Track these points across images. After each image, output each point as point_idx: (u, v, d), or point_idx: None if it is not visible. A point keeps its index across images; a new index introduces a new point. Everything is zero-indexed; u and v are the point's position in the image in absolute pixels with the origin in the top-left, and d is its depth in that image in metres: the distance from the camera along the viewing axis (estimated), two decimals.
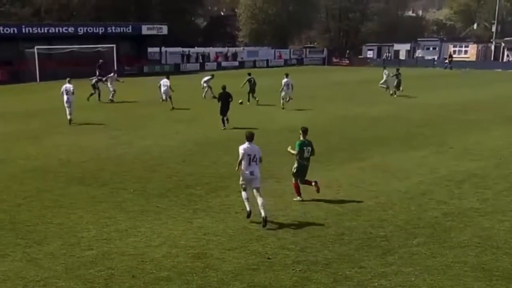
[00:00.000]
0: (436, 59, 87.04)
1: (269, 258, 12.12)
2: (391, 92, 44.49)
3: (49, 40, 65.81)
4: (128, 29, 75.08)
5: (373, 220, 14.51)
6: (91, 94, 41.23)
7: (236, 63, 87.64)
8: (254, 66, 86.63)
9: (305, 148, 16.15)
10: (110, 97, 41.40)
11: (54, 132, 28.64)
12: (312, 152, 16.36)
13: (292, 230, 13.85)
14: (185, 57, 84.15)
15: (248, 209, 14.48)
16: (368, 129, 28.98)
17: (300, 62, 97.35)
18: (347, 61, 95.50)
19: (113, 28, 73.47)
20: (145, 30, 76.27)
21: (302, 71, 54.10)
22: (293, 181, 16.52)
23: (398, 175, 19.31)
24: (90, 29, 71.61)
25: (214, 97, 37.07)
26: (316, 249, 12.62)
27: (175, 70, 74.53)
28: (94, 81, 41.55)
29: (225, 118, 29.56)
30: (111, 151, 23.85)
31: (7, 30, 64.70)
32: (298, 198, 16.38)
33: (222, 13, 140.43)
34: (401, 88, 44.86)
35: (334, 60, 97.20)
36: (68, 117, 31.13)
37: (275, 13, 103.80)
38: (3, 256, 12.33)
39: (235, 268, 11.63)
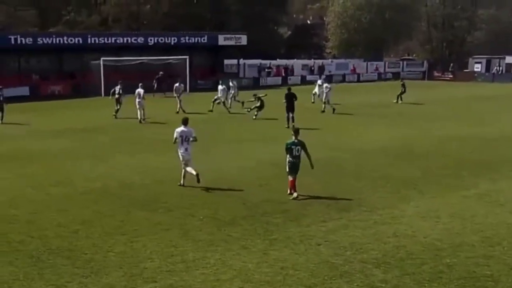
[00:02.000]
0: None
1: None
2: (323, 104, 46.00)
3: (117, 51, 67.23)
4: (203, 39, 76.02)
5: (478, 257, 14.10)
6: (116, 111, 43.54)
7: (323, 77, 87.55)
8: (343, 80, 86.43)
9: (293, 147, 19.81)
10: (179, 107, 45.37)
11: (118, 151, 29.17)
12: (304, 151, 19.88)
13: (382, 266, 13.59)
14: (264, 70, 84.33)
15: (182, 182, 21.52)
16: (475, 152, 28.37)
17: (396, 76, 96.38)
18: (451, 75, 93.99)
19: (186, 38, 74.59)
20: (221, 40, 77.05)
21: (398, 86, 53.61)
22: (290, 179, 19.86)
23: (508, 206, 18.76)
24: (161, 39, 72.86)
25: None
26: None
27: (254, 85, 75.00)
28: (117, 95, 43.62)
29: (289, 116, 36.35)
30: (179, 172, 24.03)
31: (71, 40, 66.42)
32: (294, 195, 19.56)
33: (308, 22, 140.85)
34: (402, 97, 52.56)
35: (436, 74, 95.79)
36: (138, 117, 40.12)
37: (369, 21, 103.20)
38: (58, 287, 12.54)
39: None
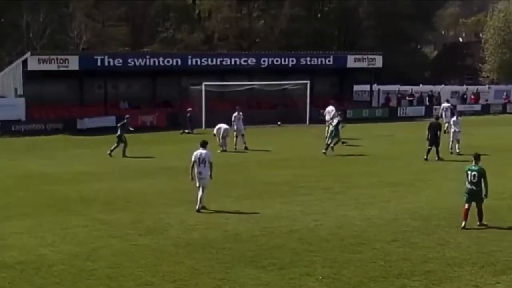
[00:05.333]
0: None
1: None
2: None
3: (222, 75, 68.23)
4: (329, 61, 75.47)
5: None
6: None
7: (478, 107, 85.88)
8: (504, 111, 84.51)
9: (469, 172, 22.84)
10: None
11: (221, 195, 29.15)
12: (483, 180, 22.62)
13: None
14: (399, 98, 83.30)
15: (198, 207, 25.47)
16: None
17: None
18: None
19: (308, 59, 74.29)
20: (351, 61, 76.33)
21: None
22: (465, 207, 22.74)
23: None
24: (277, 61, 72.81)
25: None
26: None
27: (390, 116, 74.28)
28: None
29: (431, 149, 39.24)
30: (297, 222, 24.01)
31: (168, 62, 67.13)
32: (463, 223, 22.45)
33: (460, 39, 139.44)
34: None
35: None
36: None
37: None
38: None
39: None
